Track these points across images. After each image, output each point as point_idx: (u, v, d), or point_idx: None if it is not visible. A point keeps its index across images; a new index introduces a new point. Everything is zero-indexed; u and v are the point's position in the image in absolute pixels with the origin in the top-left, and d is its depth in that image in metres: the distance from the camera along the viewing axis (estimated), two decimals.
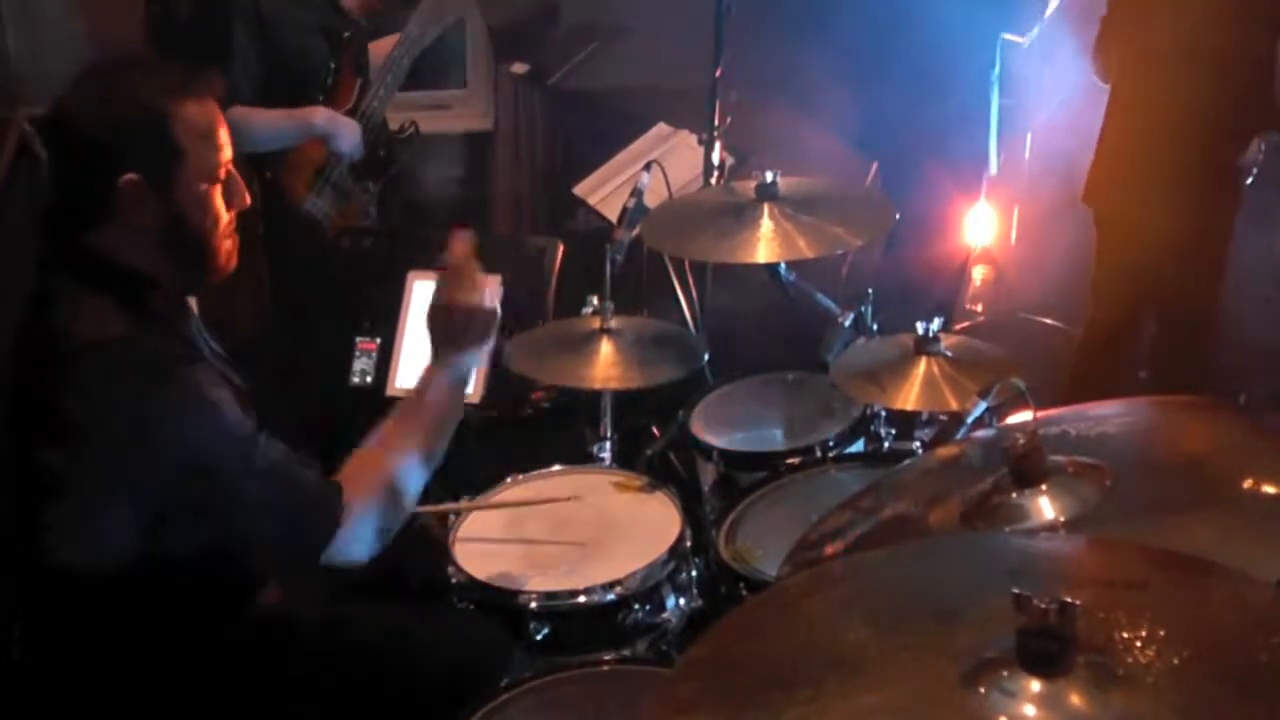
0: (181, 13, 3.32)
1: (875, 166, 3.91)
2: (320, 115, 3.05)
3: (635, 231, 2.51)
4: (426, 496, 2.17)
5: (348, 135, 3.07)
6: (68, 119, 1.67)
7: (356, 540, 1.74)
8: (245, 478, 1.65)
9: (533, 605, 1.95)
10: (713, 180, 3.14)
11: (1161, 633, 0.97)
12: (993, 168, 3.41)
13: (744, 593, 1.98)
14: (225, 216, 1.75)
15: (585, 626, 1.96)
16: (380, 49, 3.21)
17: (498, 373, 2.61)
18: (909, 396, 2.07)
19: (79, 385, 1.60)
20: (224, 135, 1.72)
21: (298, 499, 1.72)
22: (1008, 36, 3.45)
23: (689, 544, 2.09)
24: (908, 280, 3.24)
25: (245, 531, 1.68)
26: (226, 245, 1.77)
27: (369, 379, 2.86)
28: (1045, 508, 1.35)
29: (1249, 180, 3.10)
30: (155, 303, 1.72)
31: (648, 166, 2.68)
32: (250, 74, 2.94)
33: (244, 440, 1.67)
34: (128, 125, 1.64)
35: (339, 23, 3.12)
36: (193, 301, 1.99)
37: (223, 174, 1.73)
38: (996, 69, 3.35)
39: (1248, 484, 1.29)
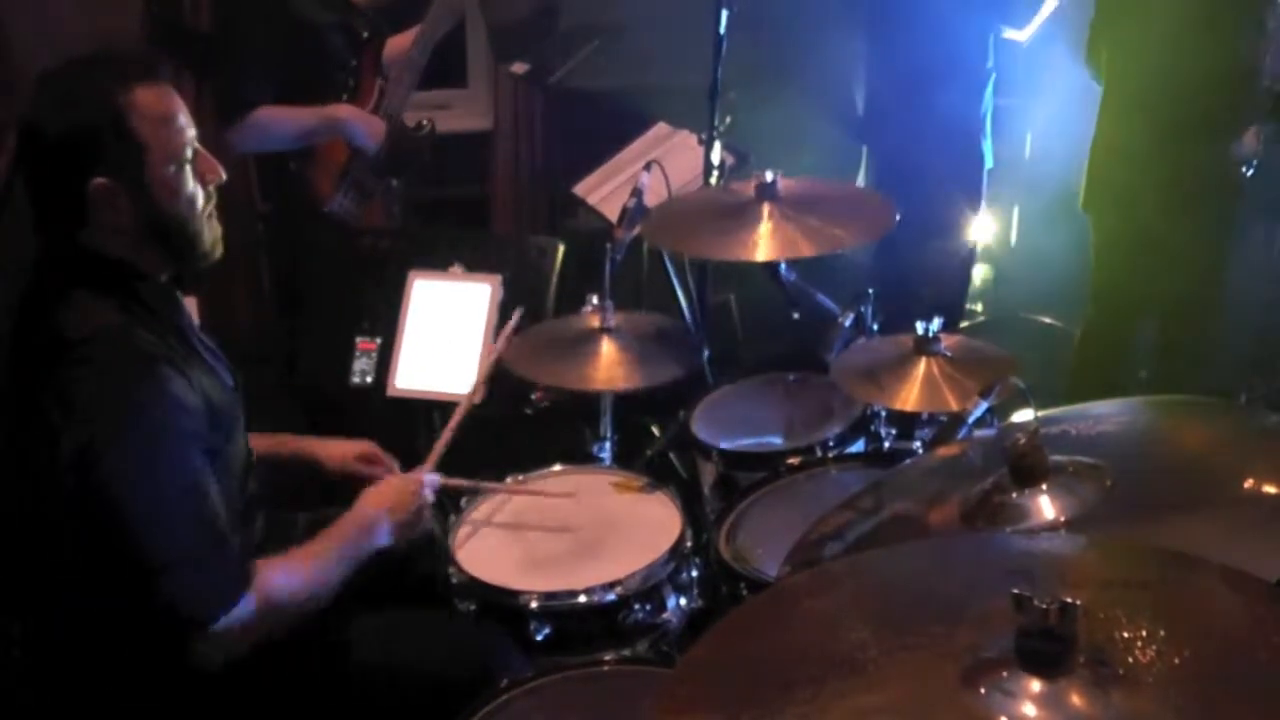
0: (203, 15, 3.34)
1: (864, 160, 3.91)
2: (344, 111, 3.07)
3: (635, 231, 2.51)
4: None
5: (372, 131, 3.09)
6: (29, 128, 1.67)
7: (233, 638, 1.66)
8: (165, 499, 1.61)
9: (533, 605, 1.95)
10: (713, 180, 3.14)
11: (1161, 633, 0.97)
12: (989, 161, 3.41)
13: (744, 593, 1.97)
14: (201, 196, 1.74)
15: (586, 626, 1.96)
16: (396, 46, 3.23)
17: (498, 372, 2.61)
18: (909, 396, 2.07)
19: (65, 379, 1.60)
20: (184, 116, 1.71)
21: (206, 550, 1.64)
22: (1009, 34, 3.42)
23: (689, 544, 2.09)
24: (908, 280, 3.23)
25: (148, 558, 1.60)
26: (211, 224, 1.77)
27: (369, 379, 2.85)
28: (1045, 507, 1.35)
29: (1248, 173, 3.09)
30: (146, 296, 1.72)
31: (648, 166, 2.68)
32: (274, 77, 2.95)
33: (190, 465, 1.65)
34: (86, 129, 1.64)
35: (356, 21, 3.14)
36: (193, 302, 1.99)
37: (190, 154, 1.72)
38: (991, 62, 3.34)
39: (1248, 484, 1.29)
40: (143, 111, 1.65)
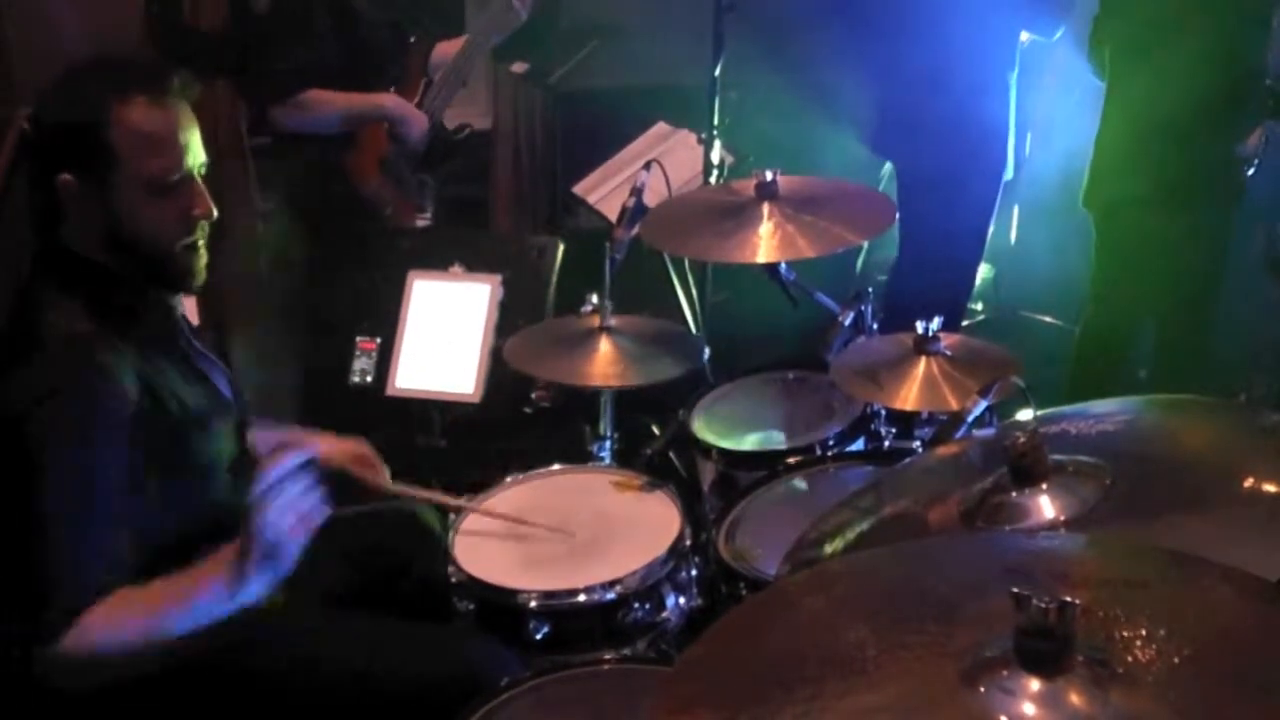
0: (203, 15, 3.42)
1: (887, 170, 3.89)
2: (390, 100, 3.19)
3: (635, 231, 2.51)
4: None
5: (415, 122, 3.19)
6: (31, 121, 1.70)
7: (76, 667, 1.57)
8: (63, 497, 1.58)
9: (533, 604, 1.94)
10: (712, 179, 3.14)
11: (1161, 632, 0.97)
12: (1009, 172, 3.38)
13: (744, 592, 1.97)
14: (178, 226, 1.71)
15: (585, 625, 1.96)
16: (444, 52, 3.31)
17: (498, 372, 2.61)
18: (909, 396, 2.07)
19: (19, 381, 1.62)
20: (183, 141, 1.68)
21: (84, 524, 1.57)
22: (1026, 37, 3.39)
23: (689, 543, 2.09)
24: (921, 282, 3.21)
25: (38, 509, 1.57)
26: (190, 255, 1.74)
27: (369, 379, 2.86)
28: (1045, 507, 1.35)
29: (1250, 172, 3.09)
30: (118, 299, 1.72)
31: (647, 165, 2.68)
32: (323, 61, 3.05)
33: (92, 470, 1.61)
34: (65, 125, 1.65)
35: (405, 24, 3.26)
36: (193, 302, 1.98)
37: (174, 180, 1.68)
38: (1015, 71, 3.31)
39: (1248, 484, 1.29)
40: (128, 125, 1.64)
